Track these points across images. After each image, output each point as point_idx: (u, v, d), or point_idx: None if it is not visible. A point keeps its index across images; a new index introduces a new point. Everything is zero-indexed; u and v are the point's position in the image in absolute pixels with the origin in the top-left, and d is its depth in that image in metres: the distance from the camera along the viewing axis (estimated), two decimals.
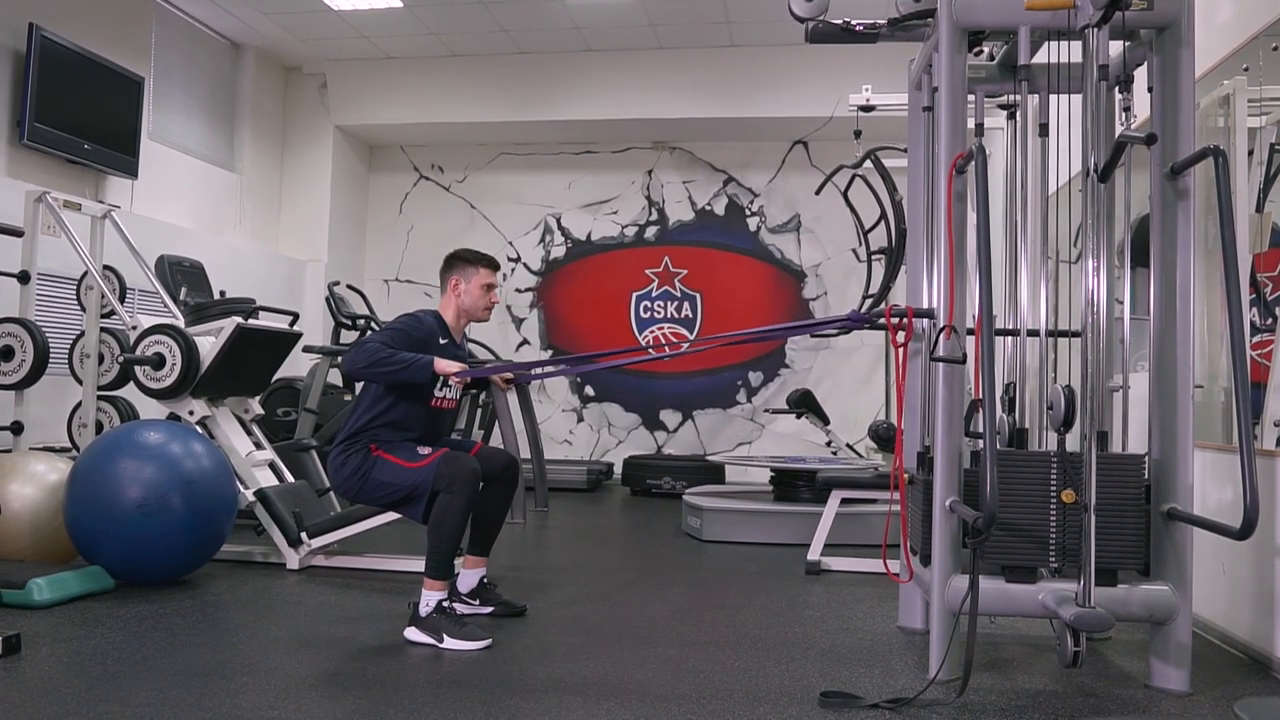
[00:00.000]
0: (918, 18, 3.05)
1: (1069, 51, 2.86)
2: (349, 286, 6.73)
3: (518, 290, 8.37)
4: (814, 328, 3.19)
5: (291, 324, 4.69)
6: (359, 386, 3.39)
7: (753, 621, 3.37)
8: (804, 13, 3.15)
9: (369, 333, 3.36)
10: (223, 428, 4.26)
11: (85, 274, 4.58)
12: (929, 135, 3.17)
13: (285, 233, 8.05)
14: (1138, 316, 2.98)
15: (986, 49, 3.20)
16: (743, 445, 8.01)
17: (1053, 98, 2.99)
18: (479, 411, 6.65)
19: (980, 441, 2.46)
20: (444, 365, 3.14)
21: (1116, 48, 2.81)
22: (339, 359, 6.29)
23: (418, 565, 3.13)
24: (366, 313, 6.39)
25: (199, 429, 4.12)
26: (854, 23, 3.17)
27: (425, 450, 3.18)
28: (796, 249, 8.06)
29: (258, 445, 4.41)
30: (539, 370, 3.26)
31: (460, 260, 3.38)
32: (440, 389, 3.30)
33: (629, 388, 8.16)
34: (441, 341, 3.31)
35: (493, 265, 3.41)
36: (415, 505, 3.15)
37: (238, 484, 4.01)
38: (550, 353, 8.27)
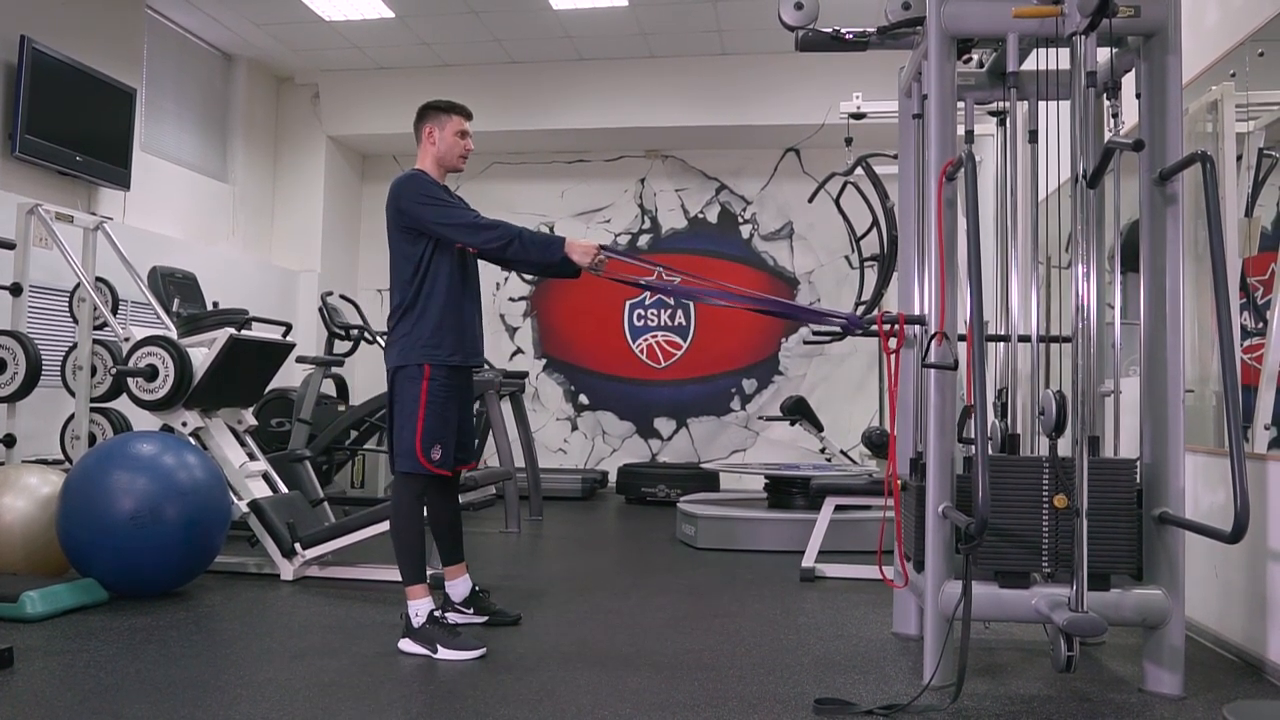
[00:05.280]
0: (907, 26, 3.07)
1: (1057, 58, 2.88)
2: (342, 296, 6.73)
3: (511, 299, 8.37)
4: (816, 316, 3.21)
5: (285, 335, 4.69)
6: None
7: (747, 629, 3.37)
8: (794, 21, 3.17)
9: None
10: (216, 439, 4.25)
11: (78, 286, 4.57)
12: (919, 142, 3.18)
13: (278, 243, 8.04)
14: (1128, 321, 2.99)
15: (976, 56, 3.22)
16: (737, 453, 8.01)
17: (1042, 104, 3.00)
18: (473, 421, 6.64)
19: (973, 447, 2.47)
20: (579, 245, 3.02)
21: (1104, 54, 2.83)
22: (332, 368, 6.32)
23: None
24: (360, 323, 6.39)
25: (192, 440, 4.11)
26: (844, 31, 3.18)
27: (436, 455, 3.09)
28: (789, 256, 8.08)
29: (251, 456, 4.40)
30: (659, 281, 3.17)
31: (433, 109, 3.33)
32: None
33: (623, 396, 8.17)
34: None
35: (466, 113, 3.35)
36: (398, 453, 3.11)
37: (231, 495, 4.00)
38: (544, 362, 8.27)
